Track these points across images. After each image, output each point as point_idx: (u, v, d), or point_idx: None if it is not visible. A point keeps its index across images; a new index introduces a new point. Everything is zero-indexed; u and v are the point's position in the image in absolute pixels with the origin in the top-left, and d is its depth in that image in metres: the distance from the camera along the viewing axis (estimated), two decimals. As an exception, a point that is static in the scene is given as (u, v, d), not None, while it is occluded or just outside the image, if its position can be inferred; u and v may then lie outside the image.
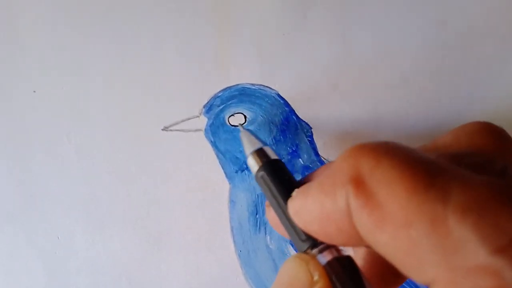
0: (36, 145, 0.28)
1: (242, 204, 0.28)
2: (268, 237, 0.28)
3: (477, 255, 0.10)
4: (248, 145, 0.21)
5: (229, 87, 0.27)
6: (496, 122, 0.15)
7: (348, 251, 0.18)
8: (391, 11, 0.28)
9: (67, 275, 0.29)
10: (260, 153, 0.20)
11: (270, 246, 0.28)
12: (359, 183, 0.12)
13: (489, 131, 0.14)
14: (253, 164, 0.20)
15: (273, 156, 0.20)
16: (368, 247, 0.14)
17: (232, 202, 0.28)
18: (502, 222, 0.10)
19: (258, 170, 0.19)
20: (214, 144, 0.28)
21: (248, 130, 0.25)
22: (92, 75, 0.28)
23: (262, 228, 0.28)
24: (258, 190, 0.28)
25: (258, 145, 0.21)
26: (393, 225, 0.12)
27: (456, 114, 0.28)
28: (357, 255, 0.18)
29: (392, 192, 0.12)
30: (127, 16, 0.27)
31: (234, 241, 0.28)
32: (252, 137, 0.22)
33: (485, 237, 0.10)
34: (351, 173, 0.13)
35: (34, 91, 0.28)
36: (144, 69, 0.28)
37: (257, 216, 0.28)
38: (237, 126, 0.27)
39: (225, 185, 0.28)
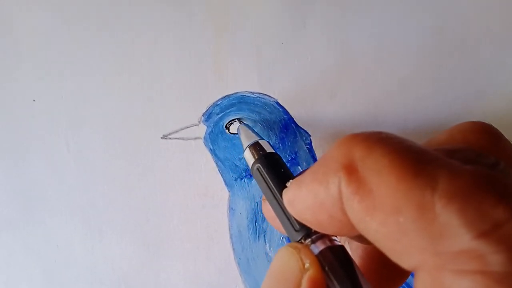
0: (35, 154, 0.28)
1: (242, 212, 0.28)
2: (267, 245, 0.28)
3: (461, 239, 0.10)
4: (245, 139, 0.22)
5: (228, 95, 0.27)
6: (494, 125, 0.15)
7: None
8: (389, 18, 0.28)
9: (66, 283, 0.29)
10: (256, 147, 0.20)
11: (270, 254, 0.28)
12: (351, 171, 0.13)
13: (483, 129, 0.15)
14: (249, 157, 0.20)
15: (269, 149, 0.20)
16: (360, 239, 0.14)
17: (231, 209, 0.28)
18: (486, 208, 0.11)
19: (254, 163, 0.20)
20: (213, 152, 0.28)
21: (245, 124, 0.25)
22: (91, 83, 0.28)
23: (262, 235, 0.28)
24: (258, 197, 0.28)
25: (255, 138, 0.21)
26: (382, 212, 0.12)
27: (454, 118, 0.28)
28: (355, 253, 0.19)
29: (382, 179, 0.12)
30: (126, 25, 0.28)
31: (234, 249, 0.28)
32: (249, 132, 0.23)
33: (469, 222, 0.10)
34: (343, 161, 0.13)
35: (34, 100, 0.28)
36: (143, 77, 0.28)
37: (256, 224, 0.28)
38: (236, 134, 0.28)
39: (225, 193, 0.28)
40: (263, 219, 0.28)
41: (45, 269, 0.29)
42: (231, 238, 0.28)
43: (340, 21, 0.28)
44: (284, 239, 0.28)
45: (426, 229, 0.11)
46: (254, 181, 0.28)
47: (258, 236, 0.28)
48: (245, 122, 0.27)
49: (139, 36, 0.28)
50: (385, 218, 0.12)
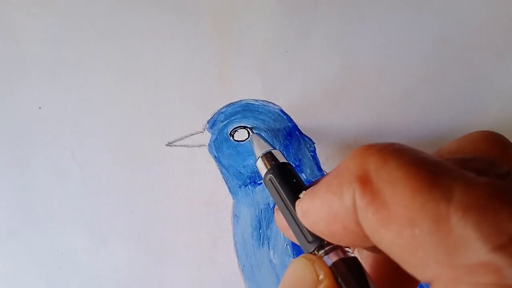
0: (40, 162, 0.28)
1: (246, 219, 0.28)
2: (271, 252, 0.28)
3: (477, 252, 0.10)
4: (258, 149, 0.22)
5: (233, 103, 0.28)
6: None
7: None
8: (393, 28, 0.28)
9: (70, 290, 0.29)
10: (268, 157, 0.20)
11: (274, 261, 0.28)
12: (365, 182, 0.13)
13: (493, 139, 0.15)
14: (262, 167, 0.20)
15: (281, 159, 0.20)
16: (372, 248, 0.14)
17: (235, 217, 0.28)
18: (502, 221, 0.11)
19: (266, 173, 0.20)
20: (217, 159, 0.28)
21: (257, 134, 0.25)
22: (97, 92, 0.28)
23: (266, 243, 0.28)
24: (262, 205, 0.28)
25: (267, 148, 0.21)
26: (397, 224, 0.12)
27: (457, 128, 0.28)
28: (366, 262, 0.18)
29: (397, 191, 0.12)
30: (132, 34, 0.28)
31: (238, 256, 0.28)
32: (262, 141, 0.23)
33: (486, 235, 0.10)
34: (358, 172, 0.13)
35: (40, 108, 0.28)
36: (149, 85, 0.28)
37: (260, 231, 0.28)
38: (240, 141, 0.28)
39: (229, 200, 0.28)
40: (267, 226, 0.28)
41: (49, 277, 0.29)
42: (235, 245, 0.28)
43: (344, 31, 0.28)
44: (288, 246, 0.28)
45: (442, 241, 0.11)
46: (258, 188, 0.28)
47: (262, 243, 0.28)
48: (256, 132, 0.27)
49: (144, 44, 0.28)
50: (400, 230, 0.12)
